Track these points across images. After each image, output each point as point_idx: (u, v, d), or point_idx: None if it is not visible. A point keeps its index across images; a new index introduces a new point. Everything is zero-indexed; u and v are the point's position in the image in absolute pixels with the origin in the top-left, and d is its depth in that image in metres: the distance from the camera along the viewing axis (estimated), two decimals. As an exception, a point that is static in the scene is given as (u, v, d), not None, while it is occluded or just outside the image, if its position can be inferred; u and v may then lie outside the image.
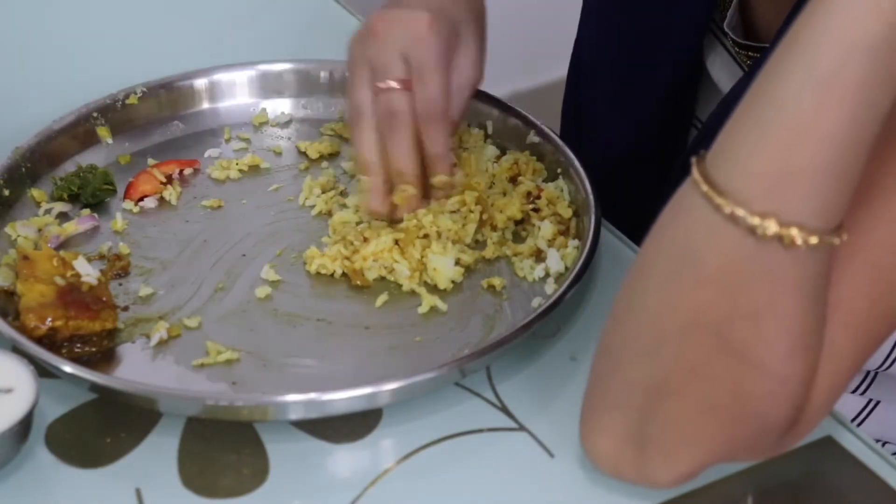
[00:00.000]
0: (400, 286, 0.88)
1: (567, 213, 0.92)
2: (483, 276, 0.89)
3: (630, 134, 1.07)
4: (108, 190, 0.96)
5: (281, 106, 1.05)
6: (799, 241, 0.63)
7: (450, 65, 0.90)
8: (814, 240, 0.64)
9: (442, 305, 0.87)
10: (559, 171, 0.96)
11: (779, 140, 0.63)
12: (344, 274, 0.89)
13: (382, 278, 0.89)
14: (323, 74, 1.05)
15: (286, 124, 1.04)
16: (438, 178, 0.91)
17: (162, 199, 0.96)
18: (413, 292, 0.88)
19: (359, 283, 0.88)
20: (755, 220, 0.64)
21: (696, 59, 1.01)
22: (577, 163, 0.94)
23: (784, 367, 0.66)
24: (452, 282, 0.88)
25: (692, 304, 0.66)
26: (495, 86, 1.12)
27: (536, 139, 0.98)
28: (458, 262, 0.88)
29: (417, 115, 0.89)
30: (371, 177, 0.91)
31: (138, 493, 0.75)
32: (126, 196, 0.96)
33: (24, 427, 0.75)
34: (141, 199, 0.95)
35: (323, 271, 0.89)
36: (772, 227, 0.63)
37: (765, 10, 0.96)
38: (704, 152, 0.67)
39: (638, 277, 0.70)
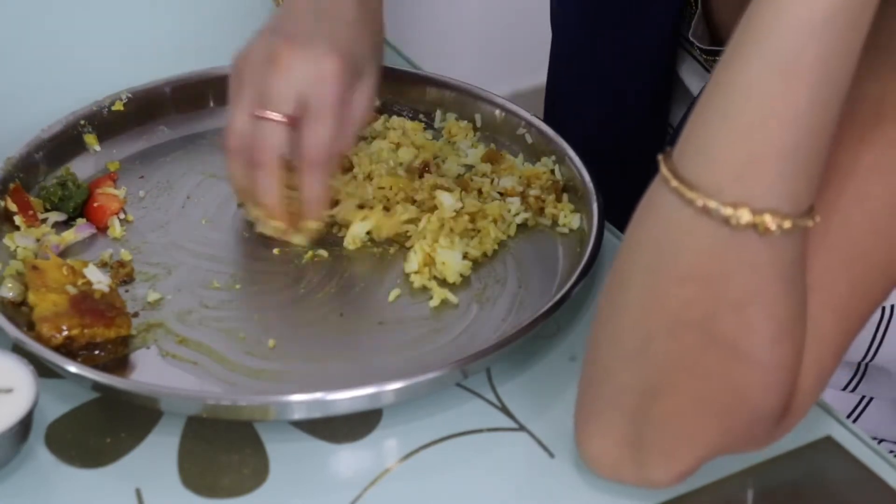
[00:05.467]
0: (411, 282, 0.88)
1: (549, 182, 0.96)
2: (491, 269, 0.90)
3: (606, 142, 1.07)
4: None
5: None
6: (773, 227, 0.64)
7: (346, 108, 0.87)
8: (787, 224, 0.64)
9: (453, 298, 0.87)
10: (553, 159, 0.97)
11: (742, 127, 0.63)
12: (358, 266, 0.90)
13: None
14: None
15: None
16: (309, 224, 0.90)
17: (157, 206, 0.96)
18: (424, 287, 0.88)
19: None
20: (728, 211, 0.64)
21: (666, 71, 1.02)
22: (570, 150, 0.96)
23: (771, 354, 0.66)
24: (461, 275, 0.88)
25: (674, 301, 0.66)
26: (497, 85, 1.13)
27: (529, 132, 0.99)
28: (465, 256, 0.89)
29: (302, 156, 0.86)
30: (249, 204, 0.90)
31: (138, 493, 0.75)
32: (95, 221, 0.94)
33: (24, 427, 0.75)
34: (105, 223, 0.94)
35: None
36: (745, 215, 0.64)
37: (728, 15, 0.96)
38: (671, 149, 0.67)
39: (618, 280, 0.70)
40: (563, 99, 1.15)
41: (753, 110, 0.63)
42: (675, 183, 0.65)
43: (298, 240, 0.91)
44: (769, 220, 0.64)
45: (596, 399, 0.72)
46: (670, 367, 0.68)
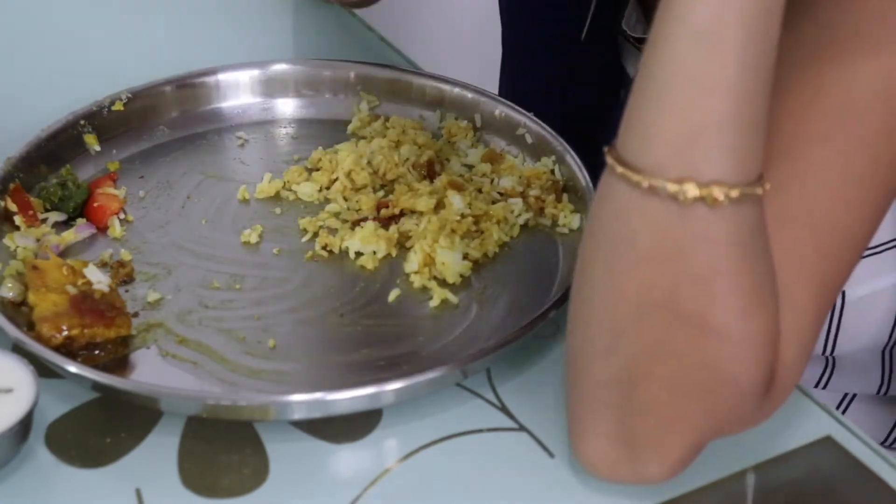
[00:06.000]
0: (411, 282, 0.88)
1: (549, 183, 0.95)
2: (491, 269, 0.90)
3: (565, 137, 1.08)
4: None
5: (280, 106, 1.05)
6: (721, 198, 0.64)
7: None
8: (735, 193, 0.64)
9: (453, 298, 0.87)
10: (553, 159, 0.97)
11: (675, 103, 0.64)
12: (358, 266, 0.90)
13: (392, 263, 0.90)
14: (326, 74, 1.06)
15: (288, 124, 1.04)
16: None
17: (157, 206, 0.96)
18: (424, 287, 0.88)
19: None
20: (673, 187, 0.64)
21: (609, 62, 1.02)
22: (572, 152, 0.96)
23: (742, 326, 0.66)
24: (461, 276, 0.88)
25: (636, 285, 0.66)
26: (496, 85, 1.13)
27: (529, 132, 0.99)
28: (466, 257, 0.89)
29: None
30: None
31: (138, 493, 0.75)
32: (95, 221, 0.94)
33: (24, 427, 0.75)
34: (105, 223, 0.94)
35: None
36: (691, 189, 0.64)
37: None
38: (614, 140, 0.67)
39: (581, 277, 0.70)
40: (518, 94, 1.15)
41: (683, 83, 0.63)
42: (620, 169, 0.66)
43: None
44: (716, 192, 0.64)
45: (580, 400, 0.72)
46: (642, 354, 0.68)
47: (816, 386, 1.04)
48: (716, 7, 0.62)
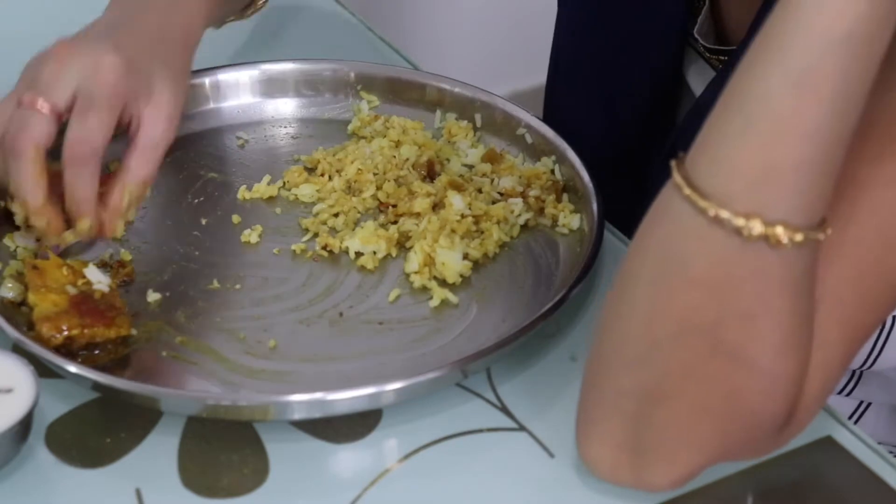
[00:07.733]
0: (411, 282, 0.88)
1: (550, 183, 0.95)
2: (491, 269, 0.90)
3: (609, 142, 1.07)
4: None
5: (280, 106, 1.05)
6: (784, 240, 0.64)
7: (126, 113, 0.84)
8: (799, 237, 0.64)
9: (453, 298, 0.87)
10: (554, 159, 0.96)
11: (759, 138, 0.63)
12: (358, 266, 0.90)
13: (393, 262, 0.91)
14: (326, 74, 1.05)
15: (288, 124, 1.04)
16: (81, 224, 0.85)
17: (157, 207, 0.96)
18: (424, 287, 0.88)
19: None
20: (740, 221, 0.64)
21: (672, 68, 1.01)
22: (570, 150, 0.95)
23: (776, 365, 0.66)
24: (461, 276, 0.88)
25: (682, 308, 0.66)
26: (497, 86, 1.13)
27: (529, 132, 0.99)
28: (466, 257, 0.89)
29: (64, 150, 0.82)
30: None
31: (138, 493, 0.75)
32: None
33: (24, 427, 0.75)
34: None
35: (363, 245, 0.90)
36: (757, 227, 0.63)
37: (735, 13, 0.96)
38: (684, 154, 0.67)
39: (625, 285, 0.70)
40: (564, 92, 1.15)
41: (770, 122, 0.63)
42: (687, 191, 0.65)
43: (71, 237, 0.86)
44: (781, 233, 0.64)
45: (597, 403, 0.71)
46: (674, 372, 0.68)
47: (840, 393, 1.04)
48: (816, 54, 0.62)
